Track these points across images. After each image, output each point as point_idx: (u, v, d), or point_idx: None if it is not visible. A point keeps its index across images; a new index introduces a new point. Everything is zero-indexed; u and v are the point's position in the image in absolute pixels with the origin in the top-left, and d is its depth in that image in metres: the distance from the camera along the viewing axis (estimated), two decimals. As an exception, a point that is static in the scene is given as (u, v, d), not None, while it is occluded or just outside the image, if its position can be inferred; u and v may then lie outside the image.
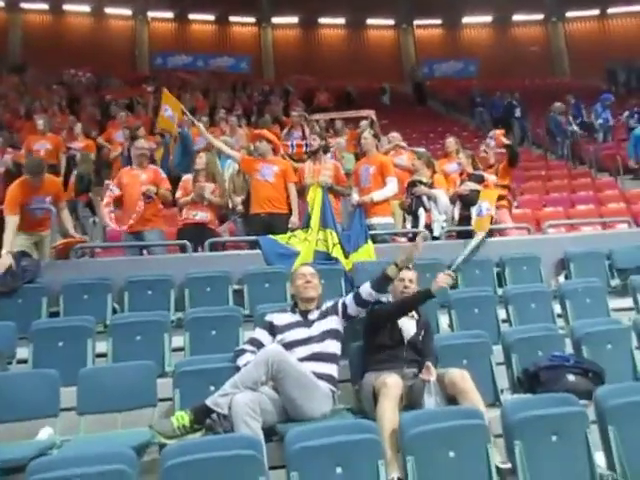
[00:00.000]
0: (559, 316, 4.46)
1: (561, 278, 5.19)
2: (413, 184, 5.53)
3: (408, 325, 3.30)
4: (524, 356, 3.50)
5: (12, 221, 4.66)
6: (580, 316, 4.22)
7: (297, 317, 3.28)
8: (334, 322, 3.26)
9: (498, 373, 3.48)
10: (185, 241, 5.04)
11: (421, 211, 5.39)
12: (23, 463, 2.40)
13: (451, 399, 2.94)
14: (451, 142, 6.47)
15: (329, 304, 3.36)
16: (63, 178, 6.86)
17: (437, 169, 5.99)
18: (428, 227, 5.33)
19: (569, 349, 3.68)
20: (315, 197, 4.95)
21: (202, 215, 5.29)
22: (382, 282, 3.25)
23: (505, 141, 5.93)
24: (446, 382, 2.94)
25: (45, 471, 2.14)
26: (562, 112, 11.37)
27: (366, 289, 3.24)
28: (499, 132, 6.36)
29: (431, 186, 5.58)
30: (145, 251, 5.28)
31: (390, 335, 3.22)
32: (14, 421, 3.03)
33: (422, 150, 6.64)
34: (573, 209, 8.06)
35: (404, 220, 5.70)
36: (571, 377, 3.30)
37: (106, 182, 5.32)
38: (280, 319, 3.29)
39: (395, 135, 6.80)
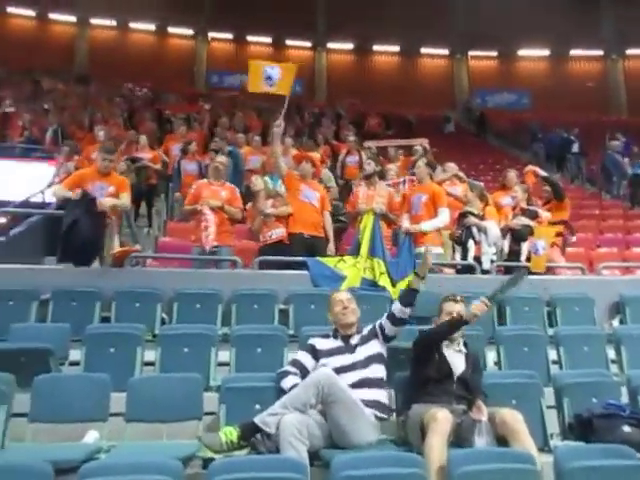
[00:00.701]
0: (613, 362, 4.29)
1: (615, 322, 5.01)
2: (464, 215, 5.48)
3: (457, 360, 3.23)
4: (576, 401, 3.37)
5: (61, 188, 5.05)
6: (636, 364, 4.04)
7: (339, 343, 3.26)
8: (376, 346, 3.24)
9: (547, 417, 3.36)
10: (236, 257, 5.13)
11: (470, 243, 5.32)
12: (73, 465, 2.47)
13: (501, 439, 2.85)
14: (512, 176, 6.35)
15: (369, 327, 3.34)
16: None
17: (490, 201, 5.92)
18: (477, 259, 5.25)
19: (624, 398, 3.52)
20: (366, 224, 4.96)
21: (277, 232, 5.36)
22: (408, 295, 3.27)
23: (541, 172, 5.87)
24: (497, 421, 2.86)
25: (96, 475, 2.19)
26: (620, 151, 11.10)
27: (396, 306, 3.26)
28: (530, 169, 6.28)
29: (482, 218, 5.52)
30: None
31: (437, 368, 3.15)
32: (63, 422, 3.10)
33: (476, 182, 6.58)
34: (628, 251, 7.78)
35: (454, 251, 5.63)
36: (627, 428, 3.15)
37: (198, 206, 5.37)
38: (322, 344, 3.28)
39: (451, 165, 6.71)
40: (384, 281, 4.77)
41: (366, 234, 4.88)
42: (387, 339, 3.28)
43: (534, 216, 5.63)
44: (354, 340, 3.25)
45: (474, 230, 5.44)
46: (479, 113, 18.63)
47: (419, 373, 3.20)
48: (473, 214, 5.53)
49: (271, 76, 5.37)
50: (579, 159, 12.23)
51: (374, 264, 4.83)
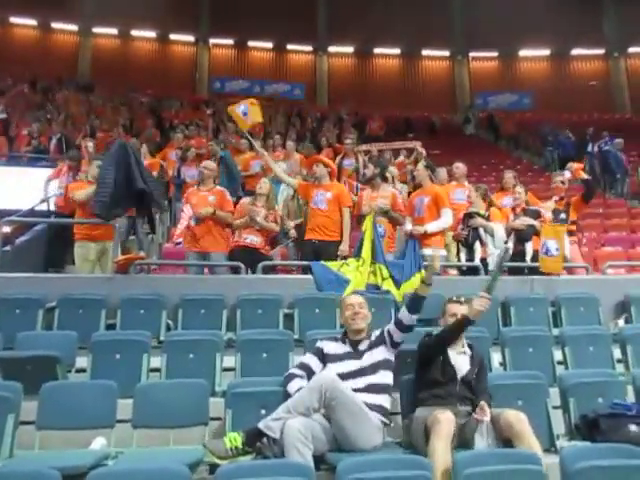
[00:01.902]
0: (619, 361, 4.28)
1: (621, 322, 4.99)
2: (470, 216, 5.46)
3: (460, 361, 3.23)
4: (582, 401, 3.36)
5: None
6: (642, 363, 4.04)
7: (347, 348, 3.26)
8: (384, 352, 3.24)
9: (553, 417, 3.36)
10: (239, 263, 5.13)
11: (477, 245, 5.31)
12: (81, 471, 2.48)
13: (505, 441, 2.85)
14: (510, 178, 6.34)
15: (377, 333, 3.34)
16: None
17: (494, 203, 5.91)
18: (483, 261, 5.24)
19: (631, 398, 3.51)
20: (367, 227, 4.96)
21: (253, 239, 5.36)
22: (414, 302, 3.24)
23: (584, 175, 5.80)
24: (501, 423, 2.86)
25: (104, 482, 2.20)
26: (623, 149, 11.07)
27: (404, 314, 3.24)
28: (578, 165, 6.21)
29: (487, 219, 5.51)
30: (206, 270, 5.43)
31: (442, 371, 3.16)
32: (71, 429, 3.11)
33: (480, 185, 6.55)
34: (633, 250, 7.76)
35: (458, 252, 5.63)
36: (633, 427, 3.14)
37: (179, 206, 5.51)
38: (330, 348, 3.28)
39: (459, 166, 6.62)
40: (388, 285, 4.77)
41: (367, 237, 4.88)
42: (395, 345, 3.27)
43: (537, 216, 5.62)
44: (362, 346, 3.25)
45: (481, 231, 5.43)
46: (487, 115, 18.53)
47: (423, 376, 3.21)
48: (480, 215, 5.51)
49: (245, 112, 6.18)
50: (592, 160, 12.09)
51: (376, 269, 4.83)
